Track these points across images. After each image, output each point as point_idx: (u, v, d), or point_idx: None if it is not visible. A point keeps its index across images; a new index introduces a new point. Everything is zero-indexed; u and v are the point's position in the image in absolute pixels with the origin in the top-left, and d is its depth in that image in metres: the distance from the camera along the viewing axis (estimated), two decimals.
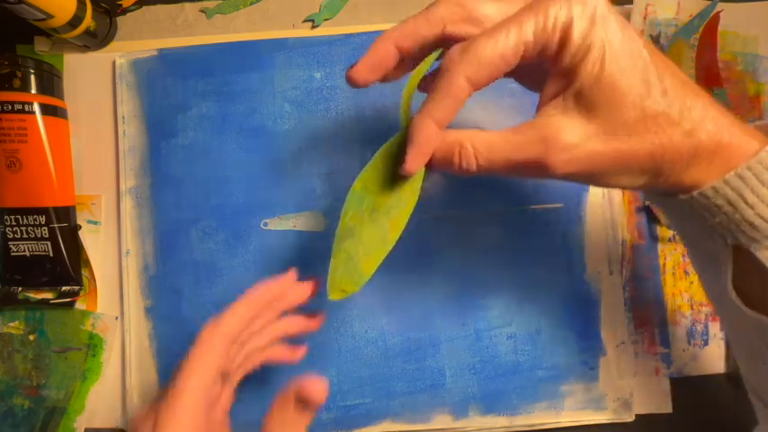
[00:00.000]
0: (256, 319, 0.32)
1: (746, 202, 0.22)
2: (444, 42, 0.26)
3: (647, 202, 0.39)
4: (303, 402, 0.28)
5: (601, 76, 0.22)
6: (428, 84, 0.28)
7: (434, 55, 0.27)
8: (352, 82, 0.27)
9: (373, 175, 0.29)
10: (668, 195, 0.25)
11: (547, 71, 0.24)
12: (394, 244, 0.30)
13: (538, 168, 0.24)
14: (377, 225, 0.29)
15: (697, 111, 0.23)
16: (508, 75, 0.27)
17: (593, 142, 0.23)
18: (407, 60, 0.27)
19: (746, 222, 0.23)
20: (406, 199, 0.30)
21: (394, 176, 0.29)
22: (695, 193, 0.23)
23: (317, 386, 0.28)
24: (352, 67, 0.26)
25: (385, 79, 0.28)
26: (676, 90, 0.23)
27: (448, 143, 0.25)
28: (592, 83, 0.22)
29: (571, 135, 0.23)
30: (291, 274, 0.33)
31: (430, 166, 0.26)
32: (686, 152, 0.23)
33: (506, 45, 0.23)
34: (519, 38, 0.23)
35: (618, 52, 0.22)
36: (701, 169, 0.23)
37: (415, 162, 0.25)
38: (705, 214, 0.24)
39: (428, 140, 0.25)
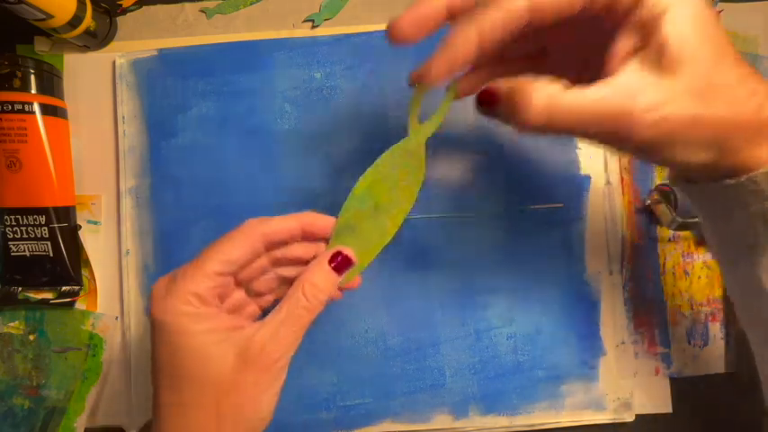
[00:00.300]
0: (295, 245, 0.31)
1: None
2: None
3: (671, 185, 0.35)
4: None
5: (682, 32, 0.21)
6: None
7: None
8: (392, 37, 0.24)
9: (377, 178, 0.29)
10: (712, 181, 0.24)
11: (617, 25, 0.22)
12: (392, 236, 0.31)
13: (615, 128, 0.21)
14: (377, 222, 0.30)
15: (763, 87, 0.22)
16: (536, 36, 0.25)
17: (679, 104, 0.21)
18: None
19: None
20: (406, 198, 0.30)
21: (399, 180, 0.29)
22: (743, 177, 0.22)
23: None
24: (394, 20, 0.24)
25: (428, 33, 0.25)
26: (743, 63, 0.22)
27: (519, 86, 0.22)
28: (674, 39, 0.21)
29: (657, 94, 0.21)
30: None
31: (492, 110, 0.23)
32: (755, 126, 0.22)
33: None
34: None
35: (696, 11, 0.21)
36: (762, 149, 0.22)
37: (439, 69, 0.24)
38: (749, 199, 0.22)
39: (463, 49, 0.23)
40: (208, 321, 0.26)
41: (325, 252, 0.29)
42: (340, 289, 0.31)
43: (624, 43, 0.22)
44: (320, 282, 0.28)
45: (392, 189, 0.30)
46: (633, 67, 0.22)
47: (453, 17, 0.24)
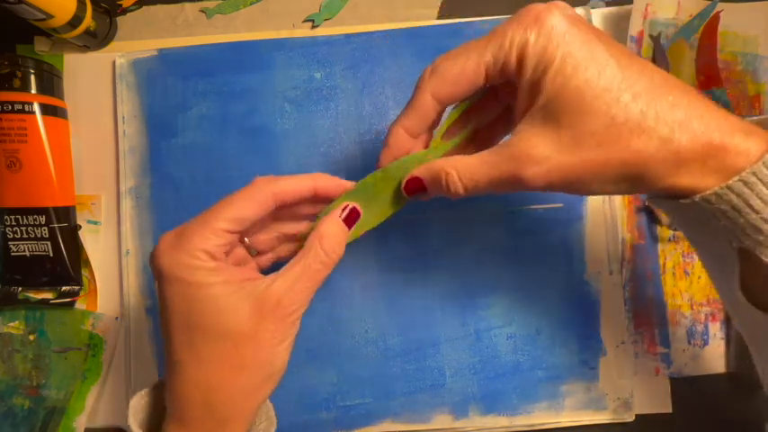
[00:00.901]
0: (304, 206, 0.31)
1: (752, 208, 0.22)
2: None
3: (648, 203, 0.39)
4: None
5: (564, 87, 0.23)
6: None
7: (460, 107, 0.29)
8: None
9: (389, 175, 0.30)
10: (671, 198, 0.25)
11: (515, 95, 0.25)
12: (399, 208, 0.31)
13: (516, 183, 0.25)
14: (387, 193, 0.31)
15: (680, 111, 0.22)
16: (499, 97, 0.29)
17: (564, 154, 0.23)
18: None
19: (752, 227, 0.22)
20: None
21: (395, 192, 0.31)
22: (697, 197, 0.23)
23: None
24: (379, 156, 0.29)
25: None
26: (652, 92, 0.23)
27: (434, 171, 0.27)
28: (556, 94, 0.23)
29: (541, 149, 0.24)
30: (350, 184, 0.31)
31: (425, 191, 0.29)
32: (667, 158, 0.22)
33: (467, 65, 0.25)
34: (480, 57, 0.25)
35: (581, 63, 0.23)
36: (693, 172, 0.23)
37: (385, 160, 0.29)
38: (710, 218, 0.23)
39: (397, 145, 0.28)
40: (220, 274, 0.26)
41: (335, 207, 0.30)
42: None
43: (519, 105, 0.25)
44: (336, 234, 0.28)
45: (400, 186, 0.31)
46: (523, 128, 0.24)
47: (414, 135, 0.28)
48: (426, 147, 0.30)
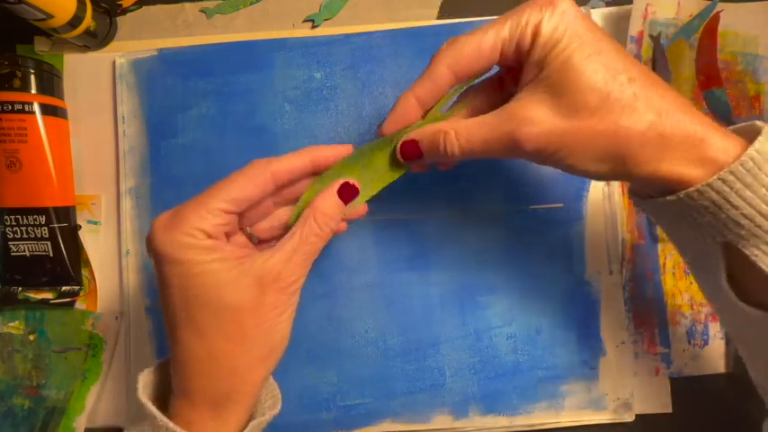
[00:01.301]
0: (303, 181, 0.31)
1: (732, 204, 0.23)
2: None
3: (633, 204, 0.39)
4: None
5: (567, 62, 0.24)
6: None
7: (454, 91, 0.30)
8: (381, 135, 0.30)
9: (388, 141, 0.30)
10: (657, 196, 0.26)
11: (522, 68, 0.27)
12: (399, 175, 0.32)
13: (510, 144, 0.26)
14: (385, 157, 0.31)
15: (668, 102, 0.24)
16: (504, 85, 0.30)
17: (559, 119, 0.25)
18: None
19: (733, 221, 0.23)
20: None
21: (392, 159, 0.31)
22: (681, 194, 0.24)
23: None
24: (382, 125, 0.30)
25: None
26: (644, 81, 0.24)
27: (433, 132, 0.28)
28: (559, 68, 0.25)
29: (538, 113, 0.25)
30: (347, 148, 0.31)
31: (419, 154, 0.29)
32: (651, 139, 0.24)
33: (484, 39, 0.26)
34: (497, 34, 0.26)
35: (585, 43, 0.24)
36: (676, 160, 0.24)
37: (389, 126, 0.29)
38: (693, 214, 0.25)
39: (405, 112, 0.29)
40: (217, 251, 0.26)
41: (333, 183, 0.30)
42: (344, 220, 0.32)
43: (524, 77, 0.26)
44: (330, 210, 0.29)
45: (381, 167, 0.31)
46: (523, 95, 0.26)
47: (424, 106, 0.29)
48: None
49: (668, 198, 0.25)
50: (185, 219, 0.26)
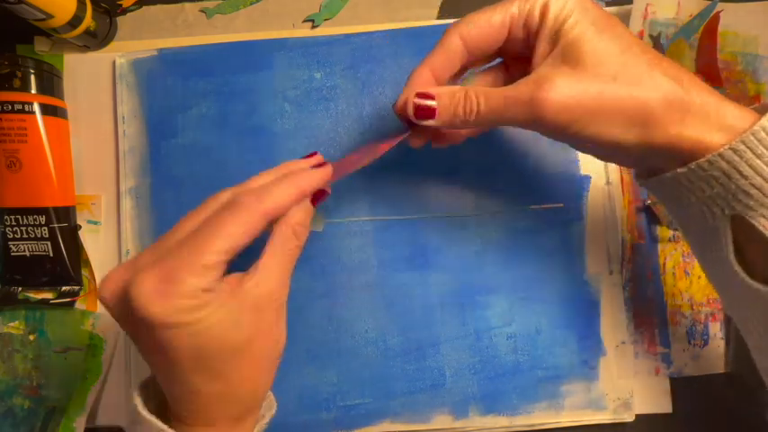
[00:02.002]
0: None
1: (741, 174, 0.24)
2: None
3: (636, 181, 0.39)
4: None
5: (582, 36, 0.25)
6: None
7: None
8: (400, 114, 0.30)
9: None
10: (665, 170, 0.26)
11: (534, 47, 0.27)
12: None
13: (529, 108, 0.26)
14: None
15: (680, 72, 0.25)
16: (510, 71, 0.31)
17: (581, 85, 0.25)
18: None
19: (742, 191, 0.24)
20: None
21: None
22: (693, 165, 0.24)
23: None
24: (397, 102, 0.30)
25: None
26: (654, 53, 0.25)
27: (453, 91, 0.28)
28: (575, 39, 0.25)
29: (560, 79, 0.25)
30: (317, 157, 0.31)
31: (431, 114, 0.28)
32: (673, 102, 0.24)
33: (494, 13, 0.28)
34: (506, 9, 0.27)
35: (595, 19, 0.25)
36: (698, 124, 0.24)
37: (405, 98, 0.29)
38: (703, 185, 0.25)
39: (420, 84, 0.29)
40: (217, 299, 0.25)
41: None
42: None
43: (540, 51, 0.27)
44: (305, 218, 0.29)
45: None
46: (543, 65, 0.26)
47: (439, 79, 0.29)
48: None
49: (679, 171, 0.25)
50: (182, 281, 0.24)
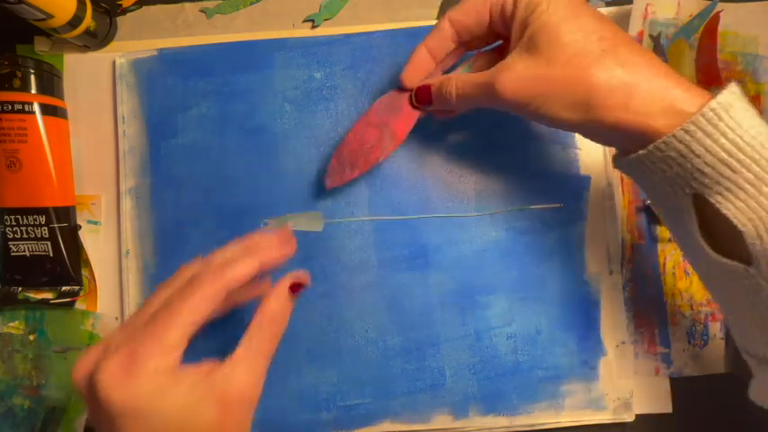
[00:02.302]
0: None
1: (695, 154, 0.25)
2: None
3: (614, 165, 0.39)
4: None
5: (546, 23, 0.28)
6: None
7: None
8: (406, 87, 0.35)
9: None
10: (632, 152, 0.27)
11: (510, 33, 0.31)
12: None
13: (490, 90, 0.30)
14: None
15: (635, 56, 0.26)
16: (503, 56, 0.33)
17: (534, 70, 0.28)
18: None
19: (698, 171, 0.25)
20: None
21: None
22: (650, 146, 0.26)
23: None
24: (401, 75, 0.35)
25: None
26: (615, 40, 0.27)
27: (441, 80, 0.33)
28: (538, 28, 0.28)
29: (518, 64, 0.29)
30: (285, 231, 0.31)
31: (429, 100, 0.34)
32: (617, 87, 0.26)
33: (478, 1, 0.31)
34: None
35: (561, 7, 0.28)
36: (640, 111, 0.26)
37: (409, 74, 0.34)
38: (663, 166, 0.26)
39: (420, 60, 0.34)
40: (183, 380, 0.25)
41: (283, 282, 0.29)
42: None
43: (513, 37, 0.30)
44: (282, 311, 0.28)
45: None
46: (512, 52, 0.29)
47: (435, 57, 0.34)
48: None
49: (639, 152, 0.27)
50: (146, 362, 0.24)
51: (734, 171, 0.24)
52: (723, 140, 0.24)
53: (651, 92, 0.26)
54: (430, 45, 0.34)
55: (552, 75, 0.27)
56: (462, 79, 0.32)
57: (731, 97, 0.25)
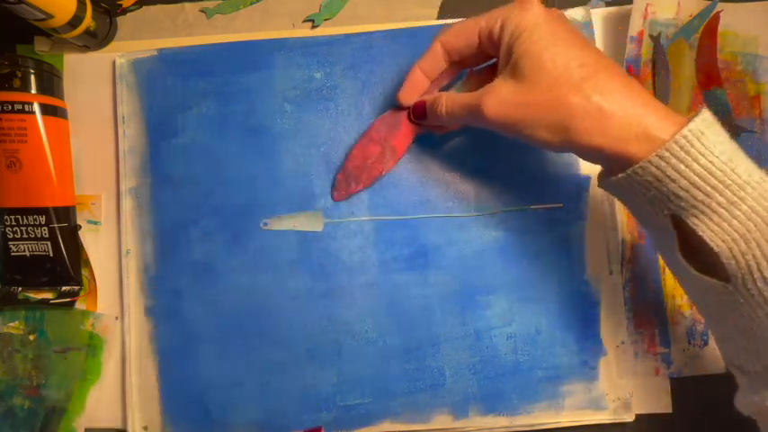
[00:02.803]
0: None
1: (670, 178, 0.26)
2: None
3: (599, 186, 0.40)
4: None
5: (528, 50, 0.29)
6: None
7: None
8: (403, 105, 0.37)
9: None
10: (614, 174, 0.28)
11: (498, 58, 0.32)
12: None
13: (476, 111, 0.31)
14: None
15: (613, 84, 0.27)
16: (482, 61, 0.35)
17: (517, 95, 0.29)
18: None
19: (673, 194, 0.26)
20: None
21: None
22: (629, 170, 0.27)
23: None
24: (398, 95, 0.37)
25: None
26: (595, 67, 0.28)
27: (434, 98, 0.35)
28: (522, 55, 0.29)
29: (503, 88, 0.30)
30: None
31: (424, 115, 0.36)
32: (592, 113, 0.27)
33: (467, 25, 0.33)
34: (476, 22, 0.32)
35: (544, 35, 0.29)
36: (615, 136, 0.27)
37: (405, 93, 0.36)
38: (642, 189, 0.27)
39: (415, 80, 0.36)
40: None
41: None
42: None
43: (500, 63, 0.31)
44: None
45: None
46: (498, 77, 0.31)
47: (429, 76, 0.36)
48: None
49: (619, 176, 0.28)
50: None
51: (707, 195, 0.25)
52: (696, 166, 0.25)
53: (627, 118, 0.27)
54: (423, 66, 0.35)
55: (534, 100, 0.29)
56: (452, 98, 0.34)
57: (703, 124, 0.25)
